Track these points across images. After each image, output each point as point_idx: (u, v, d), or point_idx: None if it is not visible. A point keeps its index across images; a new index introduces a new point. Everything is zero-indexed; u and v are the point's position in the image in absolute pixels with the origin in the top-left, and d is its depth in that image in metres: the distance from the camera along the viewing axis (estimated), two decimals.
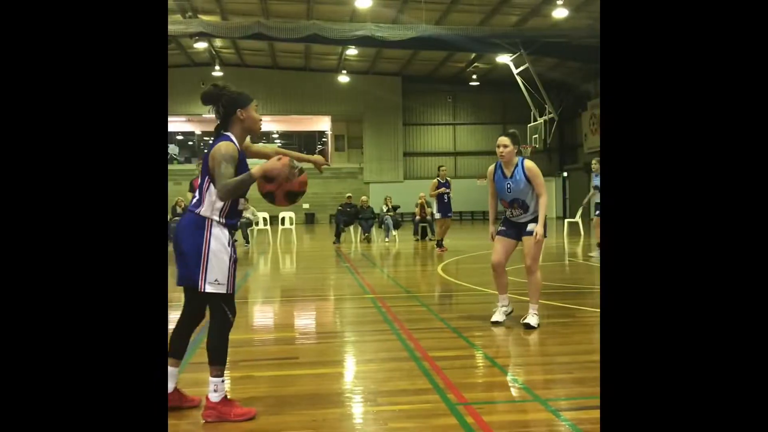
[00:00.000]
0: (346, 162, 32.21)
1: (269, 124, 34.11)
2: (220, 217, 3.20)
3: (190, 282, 3.21)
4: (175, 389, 3.38)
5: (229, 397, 3.33)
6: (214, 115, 3.33)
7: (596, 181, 11.59)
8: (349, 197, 17.79)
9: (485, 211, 29.65)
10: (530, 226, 5.41)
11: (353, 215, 17.00)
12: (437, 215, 13.67)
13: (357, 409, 3.49)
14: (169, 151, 32.10)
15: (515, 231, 5.55)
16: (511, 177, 5.42)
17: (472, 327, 5.42)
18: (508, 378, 3.97)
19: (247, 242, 16.20)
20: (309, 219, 30.47)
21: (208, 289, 3.18)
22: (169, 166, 30.16)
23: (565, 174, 31.94)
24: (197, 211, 3.20)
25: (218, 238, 3.18)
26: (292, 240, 17.35)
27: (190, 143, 35.49)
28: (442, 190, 13.43)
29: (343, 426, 3.22)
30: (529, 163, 5.42)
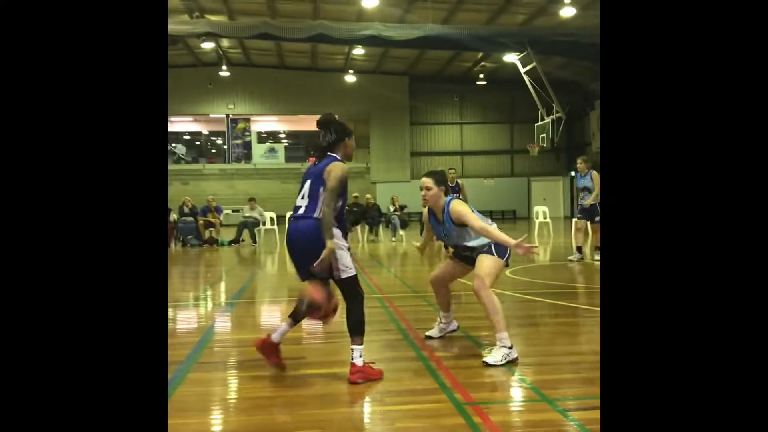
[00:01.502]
0: (353, 162, 32.17)
1: (276, 124, 34.16)
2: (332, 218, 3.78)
3: (324, 274, 3.85)
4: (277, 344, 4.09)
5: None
6: (322, 139, 4.02)
7: (581, 182, 10.87)
8: (355, 197, 17.79)
9: (492, 210, 29.64)
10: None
11: (360, 215, 17.00)
12: None
13: (364, 408, 3.49)
14: (177, 150, 32.18)
15: (470, 260, 4.77)
16: (443, 223, 4.67)
17: (480, 327, 5.41)
18: (516, 378, 3.96)
19: (255, 242, 16.23)
20: None
21: (343, 276, 3.91)
22: (177, 166, 30.24)
23: (573, 173, 31.85)
24: (315, 215, 3.82)
25: (335, 235, 3.79)
26: None
27: (197, 143, 35.56)
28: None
29: (351, 426, 3.22)
30: (453, 205, 4.58)
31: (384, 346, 4.85)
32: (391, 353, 4.61)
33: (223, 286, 9.12)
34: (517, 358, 4.22)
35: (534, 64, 23.75)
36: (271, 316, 6.70)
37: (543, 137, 26.23)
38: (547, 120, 25.79)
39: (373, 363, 4.02)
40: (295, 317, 4.18)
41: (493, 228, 4.45)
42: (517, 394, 3.75)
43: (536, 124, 26.88)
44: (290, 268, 11.90)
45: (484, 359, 4.23)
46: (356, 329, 3.95)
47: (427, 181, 4.66)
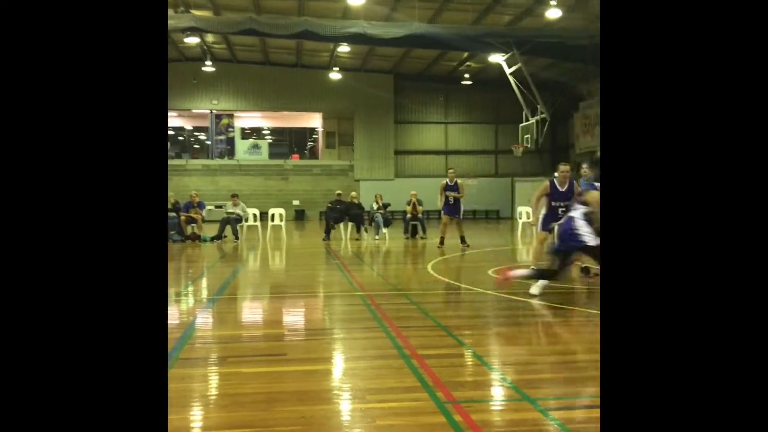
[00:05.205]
0: (337, 159, 32.15)
1: (260, 120, 34.00)
2: None
3: None
4: None
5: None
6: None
7: (584, 186, 9.75)
8: (338, 194, 17.76)
9: (475, 210, 29.72)
10: None
11: (343, 212, 16.98)
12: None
13: (345, 406, 3.48)
14: None
15: None
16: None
17: (462, 325, 5.42)
18: (497, 377, 3.97)
19: (237, 238, 16.15)
20: (299, 216, 30.41)
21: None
22: None
23: (556, 174, 32.01)
24: None
25: None
26: (281, 236, 17.31)
27: (181, 138, 35.30)
28: (447, 193, 13.79)
29: (332, 423, 3.21)
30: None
31: (366, 344, 4.85)
32: (373, 351, 4.60)
33: (204, 282, 9.06)
34: None
35: (519, 64, 23.84)
36: (253, 313, 6.66)
37: (527, 138, 26.34)
38: (532, 121, 25.90)
39: None
40: None
41: None
42: (498, 393, 3.76)
43: (521, 125, 26.98)
44: (272, 265, 11.85)
45: None
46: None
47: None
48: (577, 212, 6.53)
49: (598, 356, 4.67)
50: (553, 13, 19.64)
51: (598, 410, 3.20)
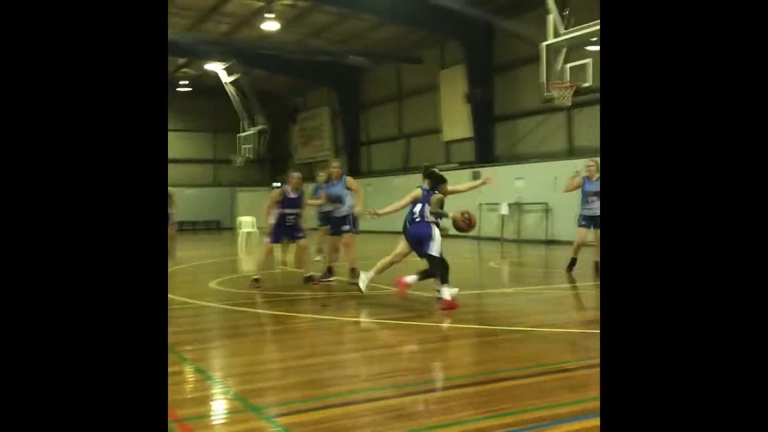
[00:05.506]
0: None
1: None
2: None
3: None
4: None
5: None
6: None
7: (589, 186, 9.38)
8: None
9: (194, 221, 28.94)
10: None
11: None
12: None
13: None
14: None
15: None
16: None
17: (183, 341, 5.22)
18: (221, 390, 3.90)
19: None
20: None
21: None
22: None
23: (277, 184, 32.59)
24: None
25: None
26: None
27: None
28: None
29: None
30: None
31: None
32: None
33: None
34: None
35: (238, 74, 23.84)
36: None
37: (247, 148, 26.41)
38: (252, 131, 26.06)
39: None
40: None
41: None
42: (222, 406, 3.69)
43: (239, 135, 26.97)
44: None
45: None
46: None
47: None
48: (431, 218, 6.89)
49: (321, 359, 4.83)
50: (271, 26, 20.00)
51: (331, 409, 3.33)
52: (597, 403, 3.36)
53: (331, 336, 5.68)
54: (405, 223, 7.08)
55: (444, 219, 6.96)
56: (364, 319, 6.42)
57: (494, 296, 7.44)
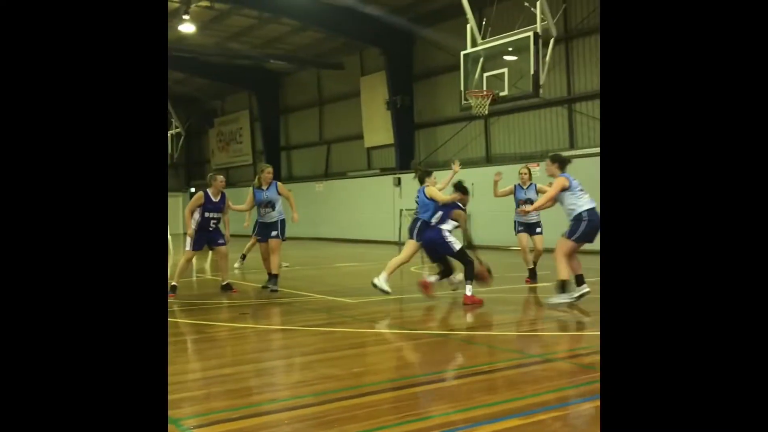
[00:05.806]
0: None
1: None
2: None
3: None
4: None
5: None
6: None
7: (521, 194, 9.12)
8: None
9: None
10: None
11: None
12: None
13: None
14: None
15: None
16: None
17: None
18: None
19: None
20: None
21: None
22: None
23: (193, 189, 31.86)
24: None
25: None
26: None
27: None
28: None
29: None
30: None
31: None
32: None
33: None
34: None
35: None
36: None
37: None
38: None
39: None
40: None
41: None
42: None
43: None
44: None
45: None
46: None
47: None
48: (448, 225, 7.22)
49: (241, 368, 4.74)
50: (187, 28, 19.53)
51: (252, 419, 3.26)
52: (515, 405, 3.47)
53: (250, 344, 5.58)
54: (415, 226, 7.60)
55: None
56: (284, 327, 6.35)
57: (416, 300, 7.51)
